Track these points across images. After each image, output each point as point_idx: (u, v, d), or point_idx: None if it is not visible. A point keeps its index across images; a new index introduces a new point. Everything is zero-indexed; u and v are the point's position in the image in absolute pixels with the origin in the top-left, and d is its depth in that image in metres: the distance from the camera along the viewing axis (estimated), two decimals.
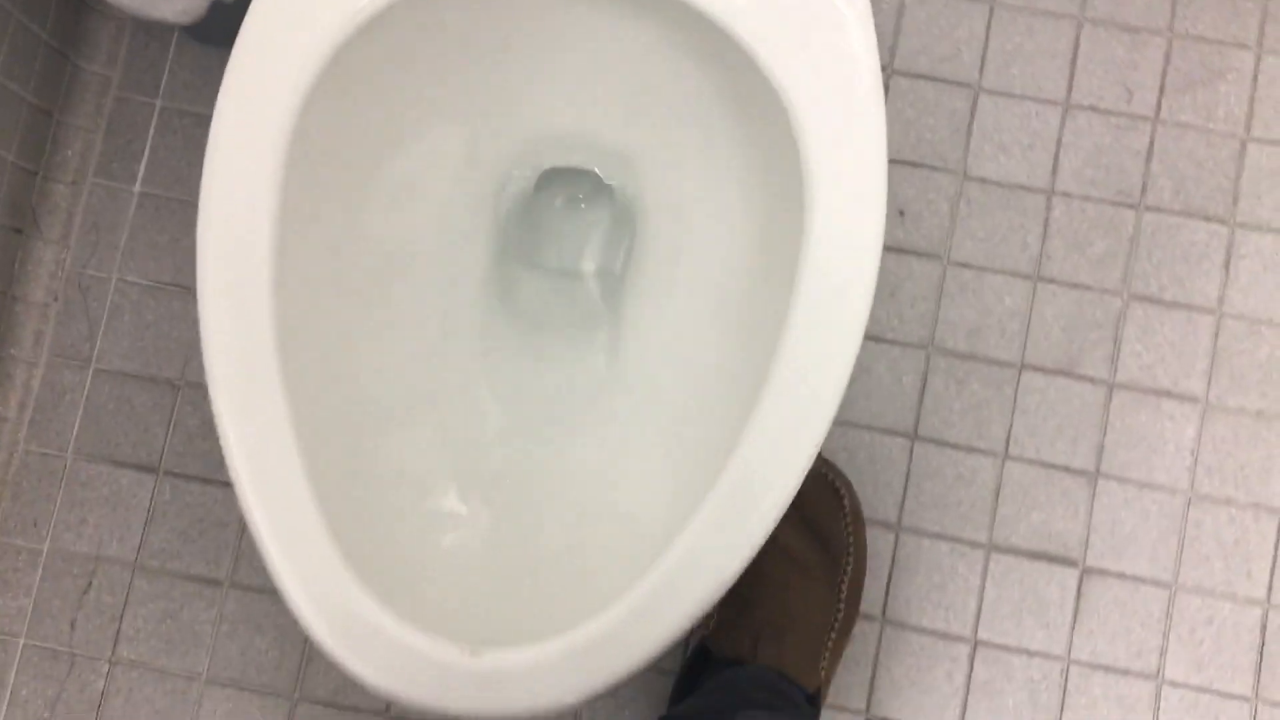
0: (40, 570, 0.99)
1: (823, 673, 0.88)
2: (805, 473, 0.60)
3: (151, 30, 1.05)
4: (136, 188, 1.03)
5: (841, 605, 0.90)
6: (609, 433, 0.77)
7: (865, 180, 0.61)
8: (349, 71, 0.64)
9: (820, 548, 0.90)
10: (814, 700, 0.87)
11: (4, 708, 0.97)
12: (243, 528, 0.99)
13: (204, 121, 1.04)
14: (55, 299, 1.02)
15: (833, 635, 0.89)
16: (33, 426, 1.01)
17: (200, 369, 0.99)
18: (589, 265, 0.80)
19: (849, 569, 0.91)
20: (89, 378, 1.01)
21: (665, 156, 0.73)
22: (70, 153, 1.03)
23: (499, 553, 0.73)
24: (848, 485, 0.94)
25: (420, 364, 0.75)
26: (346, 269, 0.70)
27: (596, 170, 0.79)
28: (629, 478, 0.75)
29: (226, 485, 1.00)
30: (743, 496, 0.60)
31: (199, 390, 1.01)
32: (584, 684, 0.58)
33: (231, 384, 0.60)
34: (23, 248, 1.01)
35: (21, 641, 0.99)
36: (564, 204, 0.82)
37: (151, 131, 1.04)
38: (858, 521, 0.93)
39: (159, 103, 1.04)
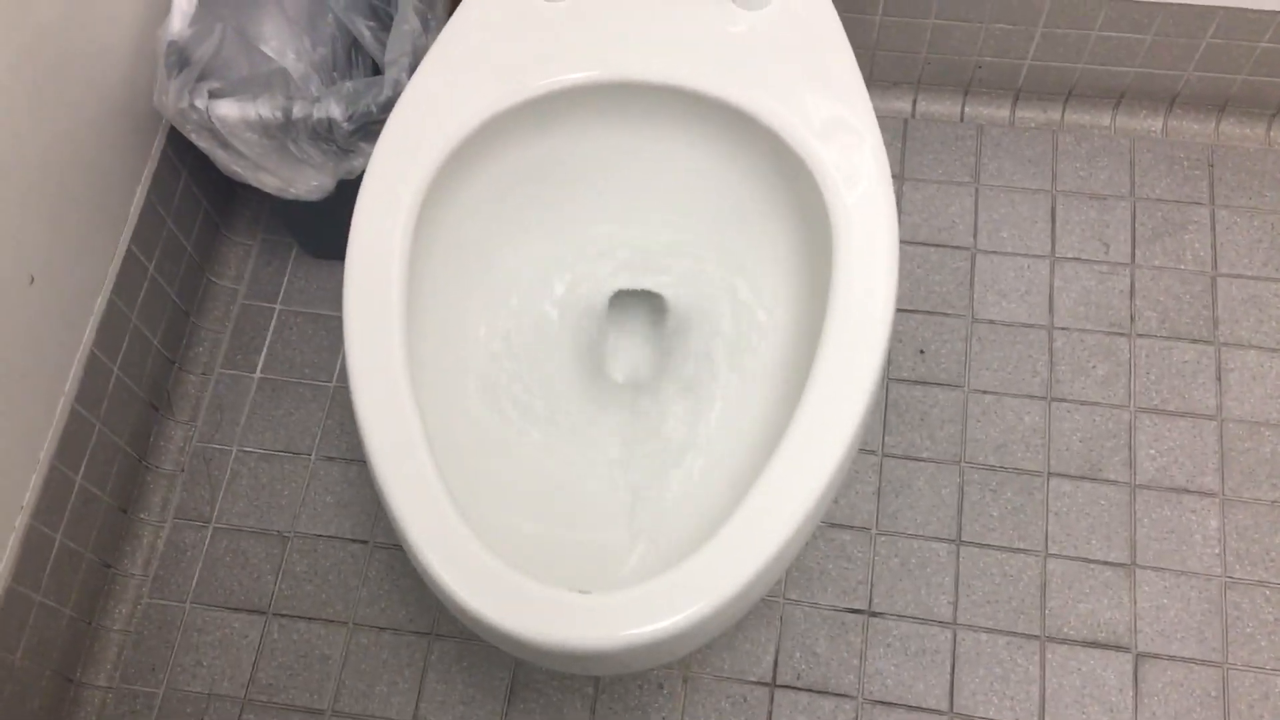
0: (155, 713, 1.06)
1: None
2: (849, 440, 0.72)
3: (272, 252, 1.25)
4: (256, 374, 1.20)
5: None
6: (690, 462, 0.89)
7: (886, 251, 0.77)
8: (447, 190, 0.83)
9: None
10: None
11: None
12: (344, 661, 1.07)
13: (315, 319, 1.22)
14: (182, 470, 1.16)
15: None
16: (155, 582, 1.11)
17: (308, 521, 1.12)
18: (652, 375, 0.95)
19: None
20: (208, 535, 1.13)
21: (722, 256, 0.90)
22: (201, 349, 1.21)
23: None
24: None
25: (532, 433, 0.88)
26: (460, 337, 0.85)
27: (657, 290, 0.95)
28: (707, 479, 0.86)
29: (330, 622, 1.08)
30: (801, 457, 0.71)
31: (307, 540, 1.12)
32: (683, 611, 0.67)
33: (381, 430, 0.73)
34: (157, 424, 1.16)
35: None
36: (628, 328, 0.97)
37: (271, 329, 1.22)
38: None
39: (278, 306, 1.23)
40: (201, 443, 1.17)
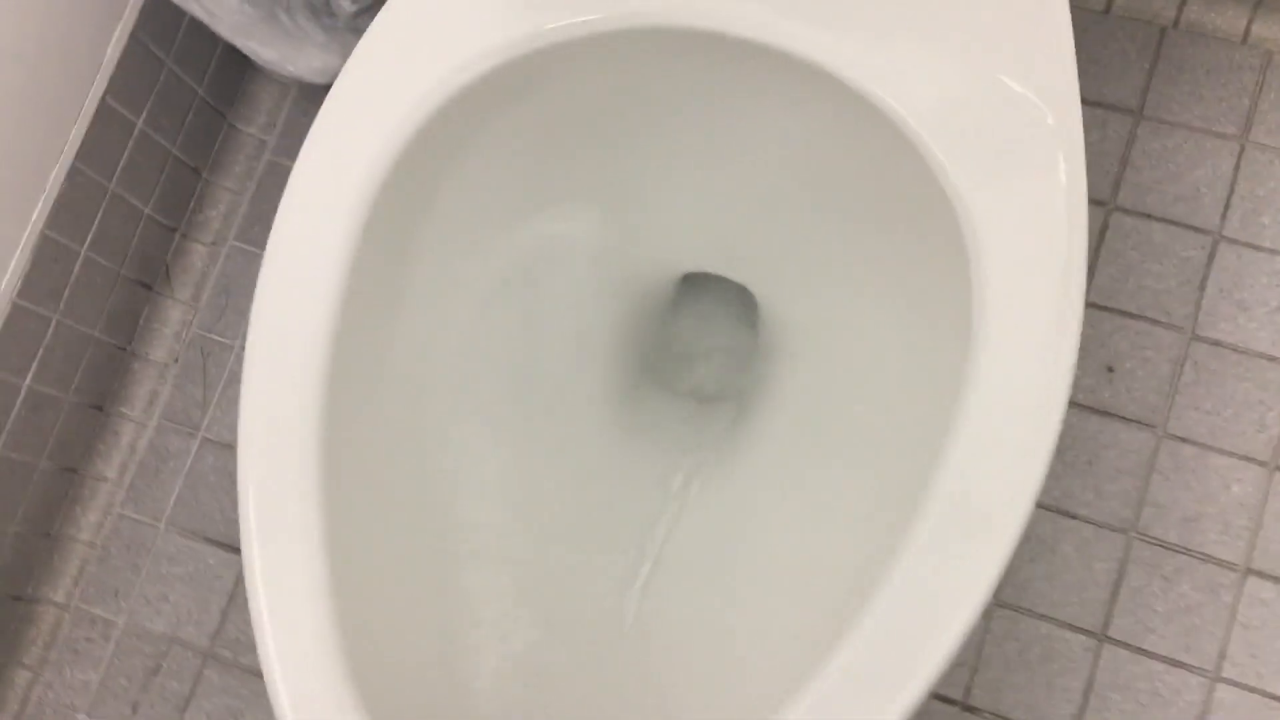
0: (112, 645, 0.92)
1: None
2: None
3: (315, 97, 1.01)
4: None
5: None
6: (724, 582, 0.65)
7: (1052, 325, 0.48)
8: (450, 140, 0.56)
9: None
10: None
11: None
12: None
13: None
14: (175, 360, 0.97)
15: None
16: (131, 490, 0.95)
17: None
18: (722, 389, 0.69)
19: None
20: (195, 446, 0.95)
21: (807, 265, 0.61)
22: (214, 213, 0.99)
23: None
24: None
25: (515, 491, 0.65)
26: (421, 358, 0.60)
27: (738, 279, 0.68)
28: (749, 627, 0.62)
29: None
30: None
31: None
32: None
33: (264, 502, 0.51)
34: (150, 304, 0.97)
35: (81, 718, 0.92)
36: (702, 321, 0.71)
37: None
38: None
39: None
40: (201, 330, 0.98)
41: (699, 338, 0.72)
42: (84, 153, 0.83)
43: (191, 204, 0.98)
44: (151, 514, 0.95)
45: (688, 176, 0.63)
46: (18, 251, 0.80)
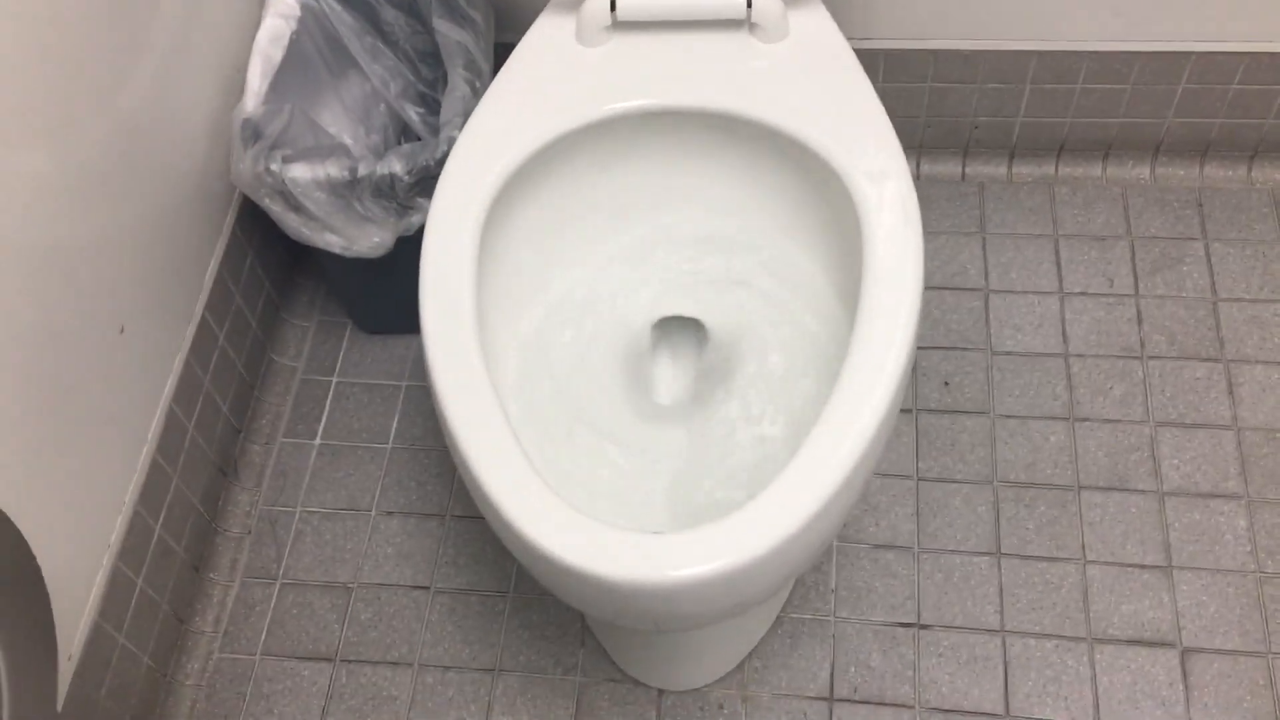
0: None
1: None
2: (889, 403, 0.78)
3: (330, 330, 1.33)
4: (317, 441, 1.26)
5: None
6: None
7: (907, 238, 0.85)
8: (506, 212, 0.92)
9: None
10: None
11: None
12: (411, 701, 1.10)
13: (370, 389, 1.29)
14: (249, 533, 1.21)
15: None
16: (226, 637, 1.15)
17: (371, 571, 1.17)
18: (694, 391, 1.01)
19: None
20: (275, 591, 1.17)
21: (770, 247, 0.99)
22: (264, 421, 1.27)
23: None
24: None
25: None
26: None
27: (699, 318, 1.02)
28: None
29: (395, 664, 1.12)
30: (844, 422, 0.78)
31: (370, 589, 1.16)
32: (749, 547, 0.72)
33: (455, 392, 0.80)
34: (224, 490, 1.21)
35: None
36: (671, 354, 1.04)
37: (329, 400, 1.29)
38: None
39: (335, 379, 1.30)
40: (266, 506, 1.22)
41: (669, 367, 1.05)
42: (193, 349, 1.12)
43: (248, 412, 1.26)
44: (247, 650, 1.14)
45: (663, 232, 1.00)
46: (155, 419, 1.07)
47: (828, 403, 0.78)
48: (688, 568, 0.72)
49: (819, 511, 0.74)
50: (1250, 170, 1.36)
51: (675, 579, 0.72)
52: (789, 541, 0.73)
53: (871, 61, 1.22)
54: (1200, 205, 1.34)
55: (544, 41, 0.97)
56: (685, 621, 0.83)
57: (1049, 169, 1.38)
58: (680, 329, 1.04)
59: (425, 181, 1.06)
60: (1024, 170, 1.38)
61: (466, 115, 1.07)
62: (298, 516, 1.22)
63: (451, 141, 1.05)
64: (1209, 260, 1.31)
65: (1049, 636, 1.09)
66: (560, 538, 0.73)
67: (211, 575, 1.18)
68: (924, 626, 1.11)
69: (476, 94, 1.09)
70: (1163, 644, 1.08)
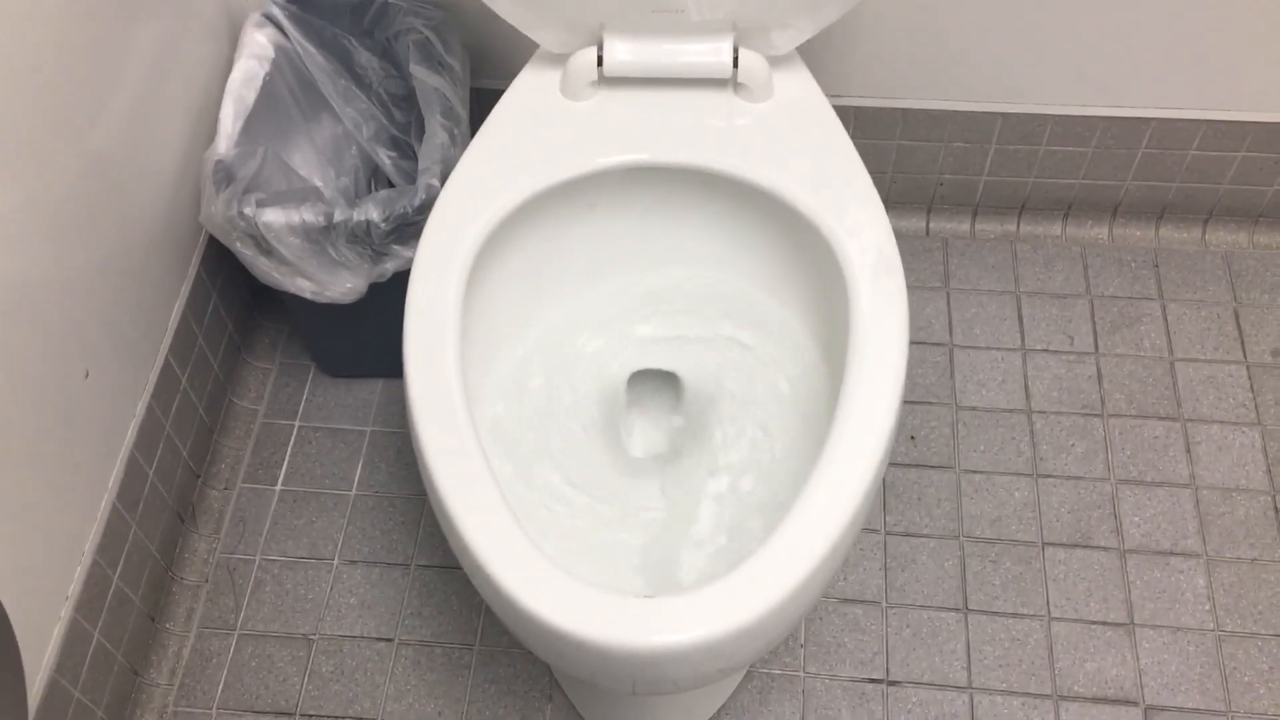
0: None
1: None
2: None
3: (292, 372, 1.31)
4: (278, 486, 1.24)
5: None
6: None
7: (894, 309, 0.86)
8: (491, 269, 0.91)
9: None
10: None
11: None
12: None
13: (334, 434, 1.27)
14: (206, 580, 1.18)
15: None
16: (181, 689, 1.12)
17: (333, 623, 1.14)
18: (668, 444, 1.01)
19: None
20: (233, 642, 1.14)
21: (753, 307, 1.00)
22: (223, 465, 1.25)
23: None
24: None
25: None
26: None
27: (675, 371, 1.02)
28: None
29: (358, 719, 1.09)
30: (836, 481, 0.78)
31: (331, 641, 1.14)
32: (740, 613, 0.71)
33: (439, 442, 0.79)
34: (182, 536, 1.18)
35: None
36: (646, 407, 1.04)
37: (291, 445, 1.26)
38: None
39: (297, 423, 1.28)
40: (225, 554, 1.20)
41: (644, 418, 1.05)
42: (156, 393, 1.10)
43: (208, 457, 1.23)
44: (203, 704, 1.11)
45: (644, 288, 1.00)
46: (115, 465, 1.04)
47: (816, 464, 0.78)
48: (675, 633, 0.71)
49: (809, 576, 0.74)
50: (1205, 233, 1.39)
51: (661, 644, 0.71)
52: (778, 608, 0.73)
53: (843, 118, 1.23)
54: (1157, 266, 1.38)
55: (529, 93, 0.97)
56: (666, 686, 0.82)
57: (1011, 226, 1.41)
58: (657, 382, 1.04)
59: (401, 229, 1.05)
60: (986, 227, 1.41)
61: (445, 162, 1.07)
62: (257, 565, 1.19)
63: (430, 189, 1.04)
64: (1165, 320, 1.34)
65: (1015, 694, 1.10)
66: (548, 599, 0.72)
67: (168, 625, 1.15)
68: (893, 683, 1.11)
69: (455, 141, 1.08)
70: (1126, 701, 1.09)
